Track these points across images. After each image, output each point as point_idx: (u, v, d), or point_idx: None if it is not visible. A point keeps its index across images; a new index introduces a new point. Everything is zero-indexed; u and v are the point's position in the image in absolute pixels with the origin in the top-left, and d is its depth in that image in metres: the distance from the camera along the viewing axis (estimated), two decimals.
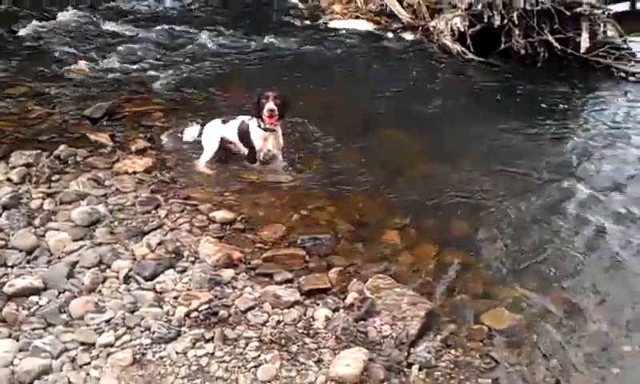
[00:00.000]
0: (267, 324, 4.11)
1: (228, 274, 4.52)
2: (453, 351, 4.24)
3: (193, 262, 4.64)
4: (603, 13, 9.32)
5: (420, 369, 3.98)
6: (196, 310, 4.08)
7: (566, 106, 8.30)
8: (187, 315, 4.04)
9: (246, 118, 6.14)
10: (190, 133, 6.53)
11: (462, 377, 4.02)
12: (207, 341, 3.87)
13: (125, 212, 5.26)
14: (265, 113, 5.70)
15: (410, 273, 5.07)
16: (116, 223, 5.08)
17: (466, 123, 7.72)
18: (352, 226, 5.56)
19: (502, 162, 6.79)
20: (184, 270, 4.53)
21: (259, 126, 5.89)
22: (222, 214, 5.38)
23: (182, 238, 4.95)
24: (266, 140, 5.98)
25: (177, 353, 3.74)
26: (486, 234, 5.72)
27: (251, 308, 4.20)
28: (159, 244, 4.78)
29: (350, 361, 3.76)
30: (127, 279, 4.36)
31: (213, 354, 3.78)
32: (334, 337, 4.08)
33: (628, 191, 6.38)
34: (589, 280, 5.19)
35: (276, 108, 5.68)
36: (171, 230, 5.05)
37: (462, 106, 8.23)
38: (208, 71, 8.49)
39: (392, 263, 5.15)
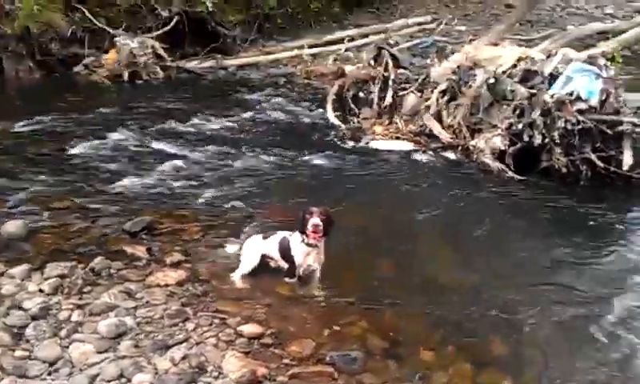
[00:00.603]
0: None
1: None
2: None
3: (216, 378, 4.50)
4: None
5: None
6: None
7: (608, 224, 8.02)
8: None
9: (287, 233, 6.12)
10: (232, 248, 6.52)
11: None
12: None
13: (152, 325, 5.20)
14: (309, 228, 5.58)
15: None
16: (142, 336, 5.03)
17: (506, 240, 7.53)
18: (385, 343, 5.36)
19: (543, 279, 6.52)
20: None
21: (302, 241, 5.74)
22: (250, 328, 5.27)
23: (207, 352, 4.85)
24: (308, 255, 5.81)
25: None
26: (527, 354, 5.47)
27: None
28: (183, 358, 4.68)
29: None
30: None
31: None
32: None
33: None
34: None
35: (321, 224, 5.56)
36: (197, 343, 4.95)
37: (502, 222, 8.04)
38: (249, 189, 8.57)
39: (426, 381, 4.88)
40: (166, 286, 5.83)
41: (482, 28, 16.54)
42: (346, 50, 15.88)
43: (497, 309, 6.01)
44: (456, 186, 9.19)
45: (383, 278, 6.47)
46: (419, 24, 18.26)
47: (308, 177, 9.25)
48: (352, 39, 16.51)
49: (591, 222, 8.02)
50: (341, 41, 16.47)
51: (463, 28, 18.37)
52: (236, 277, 6.13)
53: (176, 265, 6.30)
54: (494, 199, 8.92)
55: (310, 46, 16.15)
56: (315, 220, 5.54)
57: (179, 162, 9.36)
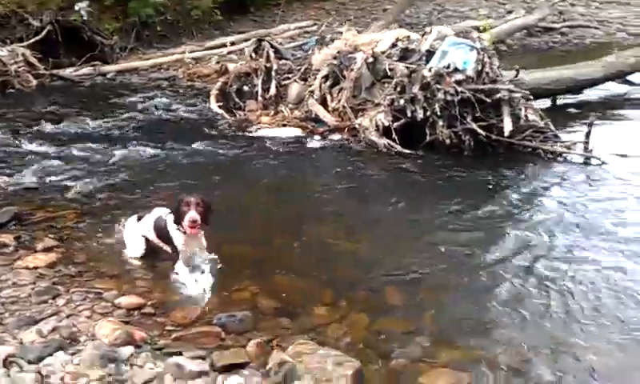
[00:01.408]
0: None
1: (126, 351, 3.96)
2: None
3: (88, 342, 4.05)
4: (522, 97, 9.41)
5: None
6: None
7: (490, 188, 8.16)
8: None
9: (162, 211, 5.61)
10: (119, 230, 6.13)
11: None
12: None
13: (19, 304, 4.73)
14: (186, 223, 5.08)
15: (339, 341, 4.61)
16: (7, 314, 4.53)
17: (395, 210, 7.49)
18: (277, 303, 5.14)
19: (431, 240, 6.50)
20: (77, 352, 3.94)
21: (178, 230, 5.28)
22: (129, 300, 4.90)
23: (80, 323, 4.43)
24: (189, 245, 5.39)
25: None
26: (421, 303, 5.37)
27: (149, 381, 3.63)
28: (52, 330, 4.22)
29: None
30: (8, 364, 3.73)
31: None
32: None
33: (550, 256, 6.15)
34: (522, 334, 4.85)
35: (198, 218, 5.06)
36: (68, 316, 4.51)
37: (390, 194, 8.00)
38: (129, 180, 8.12)
39: (319, 334, 4.70)
40: (35, 268, 5.36)
41: (363, 29, 16.71)
42: (229, 53, 15.60)
43: (390, 267, 5.95)
44: (345, 164, 9.14)
45: (275, 250, 6.29)
46: (301, 28, 18.26)
47: (193, 166, 8.89)
48: (234, 43, 16.25)
49: (475, 188, 8.15)
50: (223, 46, 16.17)
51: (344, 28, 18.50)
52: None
53: (48, 250, 5.82)
54: (382, 174, 8.95)
55: (192, 52, 15.75)
56: (192, 214, 5.04)
57: (54, 161, 8.73)
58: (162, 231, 5.51)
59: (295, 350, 4.09)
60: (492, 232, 6.80)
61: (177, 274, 5.37)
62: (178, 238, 5.32)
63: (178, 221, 5.16)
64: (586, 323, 4.96)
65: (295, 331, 4.66)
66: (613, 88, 13.29)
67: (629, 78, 13.61)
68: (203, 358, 4.11)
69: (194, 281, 5.29)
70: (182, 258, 5.39)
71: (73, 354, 3.93)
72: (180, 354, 4.10)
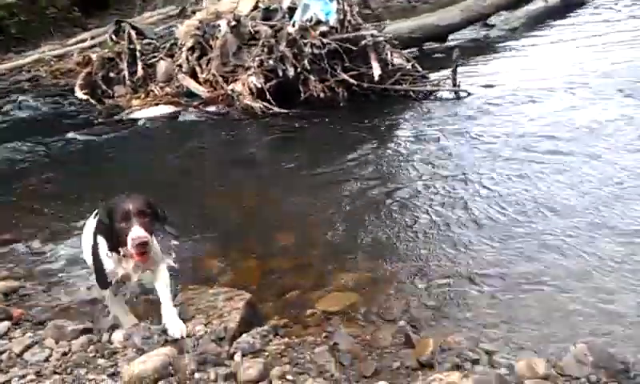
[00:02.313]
0: (50, 358, 3.32)
1: (3, 326, 3.69)
2: (285, 339, 3.67)
3: None
4: (387, 42, 9.61)
5: (244, 355, 3.34)
6: None
7: (365, 132, 8.28)
8: None
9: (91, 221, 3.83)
10: None
11: (295, 354, 3.45)
12: None
13: None
14: (130, 249, 3.29)
15: (232, 284, 4.49)
16: None
17: (277, 167, 7.45)
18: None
19: (314, 187, 6.53)
20: None
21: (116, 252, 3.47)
22: (4, 284, 4.56)
23: None
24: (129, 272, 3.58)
25: None
26: (309, 240, 5.42)
27: (29, 347, 3.40)
28: None
29: (147, 358, 3.07)
30: None
31: None
32: (134, 349, 3.36)
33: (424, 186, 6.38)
34: (415, 250, 5.06)
35: (147, 237, 3.28)
36: None
37: (271, 153, 8.10)
38: None
39: (211, 282, 4.56)
40: None
41: None
42: (91, 48, 14.88)
43: (275, 216, 6.02)
44: (224, 133, 8.98)
45: None
46: (164, 13, 17.76)
47: (66, 158, 8.43)
48: (94, 38, 15.53)
49: (353, 136, 8.23)
50: (83, 41, 15.42)
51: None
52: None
53: None
54: (262, 136, 8.90)
55: (52, 50, 14.92)
56: (137, 231, 3.25)
57: None
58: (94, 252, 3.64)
59: (184, 296, 3.94)
60: (370, 170, 6.96)
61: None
62: (108, 263, 3.53)
63: (116, 245, 3.40)
64: (447, 234, 5.24)
65: (185, 284, 4.47)
66: (474, 33, 13.75)
67: (488, 21, 14.11)
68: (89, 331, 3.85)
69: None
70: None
71: None
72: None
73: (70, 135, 9.18)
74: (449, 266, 4.69)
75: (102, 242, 3.51)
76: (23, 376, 3.13)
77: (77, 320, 3.93)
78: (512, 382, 3.07)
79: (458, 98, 9.41)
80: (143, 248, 3.26)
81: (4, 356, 3.34)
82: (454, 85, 9.50)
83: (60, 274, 4.94)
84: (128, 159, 8.35)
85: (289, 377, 3.08)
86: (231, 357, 3.36)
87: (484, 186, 6.03)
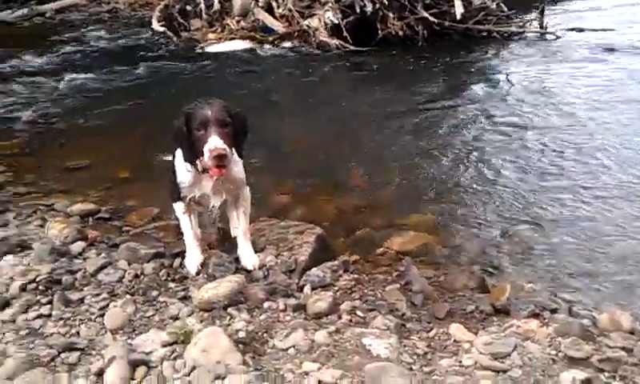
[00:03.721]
0: (123, 279, 3.36)
1: (78, 245, 3.76)
2: (355, 275, 3.58)
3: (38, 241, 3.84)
4: None
5: (313, 288, 3.28)
6: (34, 281, 3.29)
7: (445, 76, 8.08)
8: (23, 289, 3.25)
9: None
10: None
11: (365, 290, 3.37)
12: (44, 305, 3.08)
13: None
14: (207, 161, 2.98)
15: (303, 220, 4.42)
16: None
17: (355, 103, 7.41)
18: None
19: (392, 126, 6.50)
20: (27, 255, 3.72)
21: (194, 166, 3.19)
22: (81, 207, 4.65)
23: (29, 230, 4.18)
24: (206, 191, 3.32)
25: (2, 322, 2.93)
26: (383, 178, 5.32)
27: (103, 267, 3.45)
28: (1, 240, 3.95)
29: (218, 284, 3.05)
30: None
31: (49, 315, 2.99)
32: (205, 276, 3.36)
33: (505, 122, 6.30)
34: (496, 193, 4.91)
35: (225, 148, 2.93)
36: (17, 226, 4.26)
37: (346, 93, 7.96)
38: (76, 106, 7.78)
39: (282, 214, 4.51)
40: None
41: None
42: None
43: (351, 153, 5.90)
44: (299, 69, 8.92)
45: None
46: None
47: (143, 87, 8.54)
48: None
49: (432, 75, 8.07)
50: None
51: None
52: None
53: None
54: (338, 73, 8.76)
55: None
56: (215, 141, 2.92)
57: None
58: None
59: (256, 227, 3.90)
60: (448, 113, 6.79)
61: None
62: (184, 175, 3.28)
63: (191, 158, 3.11)
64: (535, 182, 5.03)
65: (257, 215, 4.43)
66: None
67: None
68: (163, 247, 3.90)
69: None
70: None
71: (23, 257, 3.70)
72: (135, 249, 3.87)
73: (148, 65, 9.29)
74: (527, 213, 4.52)
75: (179, 153, 3.24)
76: (97, 295, 3.17)
77: (150, 244, 3.97)
78: (595, 333, 2.89)
79: (545, 39, 8.97)
80: (221, 161, 2.91)
81: (78, 274, 3.40)
82: (541, 27, 9.05)
83: (136, 201, 4.97)
84: (203, 92, 8.35)
85: (359, 313, 3.01)
86: (300, 289, 3.32)
87: (568, 134, 5.76)
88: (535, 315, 3.21)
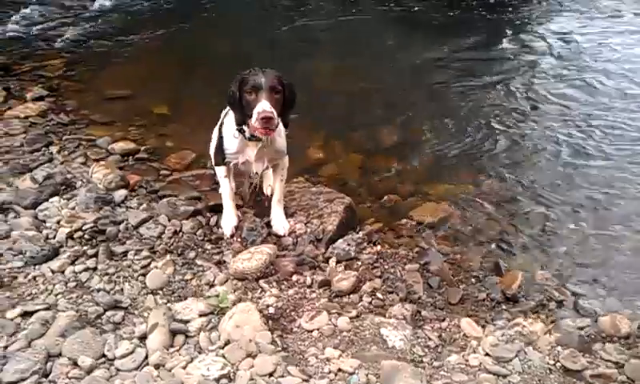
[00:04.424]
0: (162, 236, 3.62)
1: (120, 194, 4.02)
2: (377, 247, 3.83)
3: (83, 187, 4.08)
4: None
5: (338, 262, 3.53)
6: (80, 229, 3.56)
7: (482, 24, 8.03)
8: (70, 237, 3.53)
9: None
10: None
11: (386, 266, 3.61)
12: (90, 257, 3.36)
13: (11, 153, 4.68)
14: (254, 123, 3.18)
15: (332, 181, 4.65)
16: (0, 163, 4.50)
17: (387, 46, 7.44)
18: None
19: (424, 77, 6.55)
20: (72, 197, 3.99)
21: (241, 132, 3.42)
22: (122, 146, 4.89)
23: (74, 169, 4.42)
24: (250, 158, 3.56)
25: (52, 271, 3.24)
26: (414, 140, 5.44)
27: (144, 221, 3.71)
28: (47, 178, 4.21)
29: (251, 255, 3.30)
30: (4, 210, 3.79)
31: (95, 268, 3.28)
32: (239, 239, 3.60)
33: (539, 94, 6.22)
34: (522, 170, 4.97)
35: (273, 112, 3.13)
36: (62, 163, 4.51)
37: (383, 30, 7.94)
38: (112, 24, 7.92)
39: (313, 176, 4.72)
40: (27, 117, 5.29)
41: None
42: None
43: (384, 106, 5.97)
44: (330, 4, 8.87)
45: None
46: None
47: (178, 7, 8.62)
48: None
49: (477, 18, 8.00)
50: None
51: None
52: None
53: (38, 99, 5.73)
54: (375, 8, 8.69)
55: None
56: (264, 104, 3.12)
57: (35, 8, 8.42)
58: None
59: (289, 189, 4.11)
60: (489, 69, 6.78)
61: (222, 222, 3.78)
62: (231, 143, 3.52)
63: (241, 119, 3.32)
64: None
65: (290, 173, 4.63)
66: None
67: None
68: (198, 199, 4.14)
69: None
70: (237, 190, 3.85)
71: (68, 199, 3.96)
72: (176, 197, 4.12)
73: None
74: (551, 195, 4.60)
75: (228, 119, 3.50)
76: (139, 250, 3.43)
77: (187, 193, 4.20)
78: (592, 340, 3.10)
79: None
80: (268, 124, 3.11)
81: (121, 226, 3.65)
82: None
83: (173, 141, 5.18)
84: (234, 16, 8.43)
85: (379, 295, 3.25)
86: (326, 260, 3.55)
87: (612, 113, 5.77)
88: (542, 306, 3.42)
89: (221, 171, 3.65)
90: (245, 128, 3.36)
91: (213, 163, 3.75)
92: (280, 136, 3.55)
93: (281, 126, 3.46)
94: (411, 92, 6.32)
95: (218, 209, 3.93)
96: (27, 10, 8.31)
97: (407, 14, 8.51)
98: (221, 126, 3.65)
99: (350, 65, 6.97)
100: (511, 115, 5.77)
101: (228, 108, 3.59)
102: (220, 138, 3.60)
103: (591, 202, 4.52)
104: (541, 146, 5.27)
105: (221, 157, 3.60)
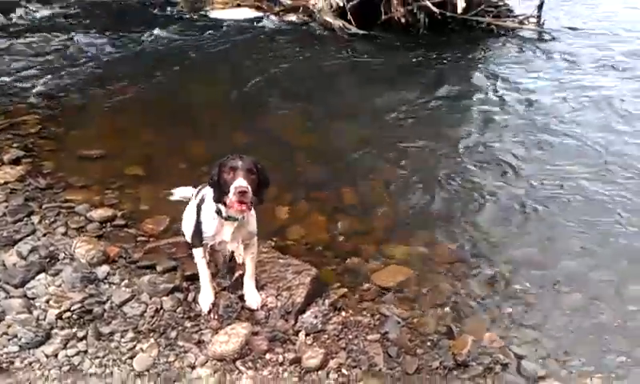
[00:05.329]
0: (145, 314, 3.95)
1: (103, 270, 4.33)
2: (342, 314, 4.22)
3: (67, 264, 4.38)
4: None
5: (307, 335, 3.91)
6: (68, 310, 3.89)
7: (445, 63, 8.48)
8: (59, 317, 3.85)
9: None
10: (182, 192, 4.89)
11: (350, 336, 4.00)
12: (80, 339, 3.69)
13: None
14: (231, 197, 3.52)
15: (300, 245, 5.03)
16: None
17: (352, 95, 7.83)
18: None
19: (385, 130, 6.94)
20: (57, 273, 4.29)
21: (218, 213, 3.81)
22: (100, 213, 5.18)
23: (57, 242, 4.71)
24: (226, 236, 3.92)
25: (46, 356, 3.55)
26: (377, 199, 5.81)
27: (127, 300, 4.03)
28: (31, 251, 4.50)
29: (229, 338, 3.66)
30: None
31: (86, 351, 3.61)
32: (216, 316, 3.95)
33: (504, 141, 6.70)
34: (474, 229, 5.37)
35: (249, 188, 3.51)
36: (44, 234, 4.78)
37: (346, 79, 8.34)
38: (86, 74, 8.18)
39: (281, 238, 5.08)
40: (6, 183, 5.54)
41: None
42: None
43: (345, 161, 6.39)
44: (302, 48, 9.27)
45: (234, 145, 6.42)
46: None
47: (147, 53, 8.91)
48: None
49: (431, 69, 8.43)
50: None
51: None
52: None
53: (15, 161, 5.97)
54: (337, 56, 9.16)
55: None
56: (240, 182, 3.48)
57: (5, 56, 8.64)
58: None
59: (259, 259, 4.46)
60: (444, 116, 7.26)
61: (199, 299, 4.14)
62: (209, 225, 3.91)
63: (219, 196, 3.66)
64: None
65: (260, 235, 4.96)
66: None
67: None
68: (175, 269, 4.45)
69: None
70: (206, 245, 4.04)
71: (54, 275, 4.25)
72: (154, 267, 4.44)
73: (150, 31, 9.58)
74: (503, 253, 5.01)
75: (207, 203, 3.87)
76: (124, 331, 3.75)
77: (165, 264, 4.52)
78: None
79: (540, 39, 9.35)
80: (244, 197, 3.46)
81: (107, 306, 3.97)
82: (538, 23, 9.42)
83: (148, 204, 5.47)
84: (206, 63, 8.75)
85: (344, 370, 3.63)
86: (296, 333, 3.92)
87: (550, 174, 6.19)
88: (489, 370, 3.84)
89: (199, 253, 4.01)
90: (222, 208, 3.73)
91: (190, 245, 4.10)
92: (253, 218, 3.97)
93: (253, 211, 3.87)
94: (373, 143, 6.71)
95: (194, 277, 4.26)
96: None
97: (369, 57, 8.90)
98: (198, 210, 3.99)
99: (313, 110, 7.47)
100: (465, 171, 6.21)
101: (200, 191, 4.06)
102: (198, 222, 3.95)
103: (536, 260, 4.95)
104: (490, 205, 5.69)
105: (199, 240, 3.96)
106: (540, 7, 9.54)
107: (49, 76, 8.01)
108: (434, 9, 9.24)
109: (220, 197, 3.65)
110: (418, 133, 6.85)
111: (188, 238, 4.19)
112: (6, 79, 7.98)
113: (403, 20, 9.32)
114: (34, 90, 7.64)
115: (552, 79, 8.07)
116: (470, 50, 9.20)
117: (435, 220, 5.48)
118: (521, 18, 9.73)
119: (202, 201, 4.00)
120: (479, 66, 8.77)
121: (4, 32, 9.59)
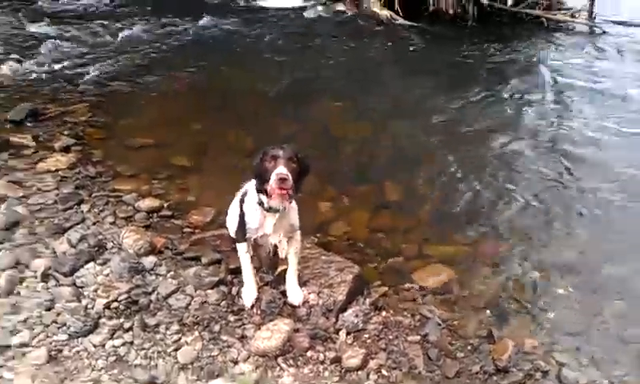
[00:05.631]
0: (190, 306, 4.03)
1: (150, 261, 4.42)
2: (383, 313, 4.23)
3: (115, 253, 4.49)
4: None
5: (347, 334, 3.94)
6: (115, 300, 3.98)
7: (495, 63, 8.34)
8: (107, 307, 3.95)
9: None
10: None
11: (390, 337, 4.01)
12: (126, 330, 3.78)
13: (46, 211, 5.08)
14: (272, 184, 3.58)
15: (342, 241, 5.05)
16: (37, 223, 4.91)
17: (399, 88, 7.78)
18: None
19: (432, 125, 6.88)
20: (105, 262, 4.40)
21: (260, 204, 3.88)
22: (147, 203, 5.29)
23: (105, 230, 4.82)
24: (269, 228, 3.96)
25: (94, 345, 3.65)
26: (420, 195, 5.79)
27: (173, 292, 4.12)
28: (81, 239, 4.63)
29: (271, 334, 3.71)
30: (46, 277, 4.21)
31: (132, 342, 3.70)
32: (258, 311, 4.01)
33: (557, 141, 6.54)
34: (519, 230, 5.31)
35: (290, 175, 3.57)
36: (94, 223, 4.90)
37: (393, 71, 8.30)
38: (134, 62, 8.32)
39: (324, 234, 5.10)
40: (57, 171, 5.68)
41: None
42: None
43: (392, 156, 6.37)
44: (347, 37, 9.26)
45: (281, 136, 6.44)
46: None
47: (199, 41, 9.03)
48: None
49: (481, 58, 8.33)
50: None
51: None
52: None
53: (66, 149, 6.12)
54: (385, 47, 9.07)
55: None
56: (280, 170, 3.54)
57: (58, 44, 8.84)
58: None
59: (302, 255, 4.49)
60: (496, 110, 7.20)
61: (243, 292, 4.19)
62: (252, 217, 3.96)
63: (261, 184, 3.73)
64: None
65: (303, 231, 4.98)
66: None
67: None
68: (219, 261, 4.52)
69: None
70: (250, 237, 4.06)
71: (102, 265, 4.37)
72: (199, 259, 4.52)
73: (200, 20, 9.65)
74: (546, 257, 4.94)
75: (250, 195, 3.96)
76: (169, 323, 3.84)
77: (210, 256, 4.59)
78: None
79: (592, 33, 9.14)
80: (284, 184, 3.53)
81: (153, 297, 4.07)
82: (590, 17, 9.21)
83: (194, 195, 5.56)
84: (253, 52, 8.80)
85: (384, 371, 3.66)
86: (337, 332, 3.95)
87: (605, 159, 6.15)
88: (529, 376, 3.82)
89: (242, 248, 4.06)
90: (264, 199, 3.79)
91: (234, 240, 4.16)
92: (293, 211, 4.04)
93: (294, 204, 3.96)
94: (417, 140, 6.68)
95: (238, 271, 4.30)
96: (49, 46, 8.69)
97: (417, 50, 8.83)
98: (241, 203, 4.05)
99: (361, 109, 7.37)
100: (513, 171, 6.14)
101: (245, 188, 4.07)
102: (242, 215, 4.00)
103: (580, 265, 4.87)
104: (537, 206, 5.60)
105: (242, 234, 4.01)
106: (592, 1, 9.32)
107: (98, 64, 8.16)
108: (484, 0, 9.11)
109: (261, 185, 3.72)
110: (466, 128, 6.78)
111: (232, 233, 4.23)
112: (57, 66, 8.14)
113: (452, 11, 9.22)
114: (84, 78, 7.77)
115: (608, 76, 7.88)
116: (522, 43, 9.05)
117: (479, 219, 5.43)
118: (572, 10, 9.52)
119: (244, 194, 4.06)
120: (532, 60, 8.62)
121: (54, 19, 9.75)
